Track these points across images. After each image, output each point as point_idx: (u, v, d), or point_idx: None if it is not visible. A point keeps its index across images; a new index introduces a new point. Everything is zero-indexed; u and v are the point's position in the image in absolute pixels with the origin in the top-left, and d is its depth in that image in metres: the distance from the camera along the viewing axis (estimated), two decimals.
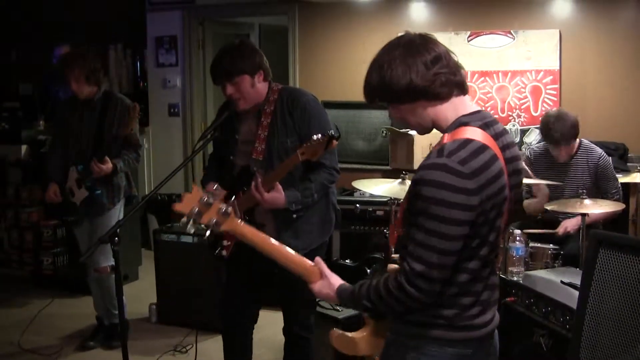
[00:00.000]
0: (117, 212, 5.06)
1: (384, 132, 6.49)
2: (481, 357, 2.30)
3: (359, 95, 7.24)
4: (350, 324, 4.38)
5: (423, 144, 6.32)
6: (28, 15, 8.72)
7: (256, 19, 8.92)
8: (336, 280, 2.40)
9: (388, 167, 6.38)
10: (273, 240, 2.52)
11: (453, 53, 2.24)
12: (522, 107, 6.55)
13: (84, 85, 4.88)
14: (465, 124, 2.16)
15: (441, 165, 2.06)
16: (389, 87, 2.18)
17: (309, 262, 2.47)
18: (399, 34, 2.29)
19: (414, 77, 2.15)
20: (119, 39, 8.58)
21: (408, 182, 4.67)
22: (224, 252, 3.80)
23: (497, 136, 2.18)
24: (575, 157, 4.95)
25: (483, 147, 2.10)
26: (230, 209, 2.46)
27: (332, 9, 7.32)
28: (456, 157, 2.06)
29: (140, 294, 6.18)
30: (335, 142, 3.34)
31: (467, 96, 2.25)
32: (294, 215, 3.70)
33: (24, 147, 6.82)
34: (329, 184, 3.74)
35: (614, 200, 4.87)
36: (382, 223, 5.44)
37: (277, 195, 3.50)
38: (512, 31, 6.55)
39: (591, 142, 5.13)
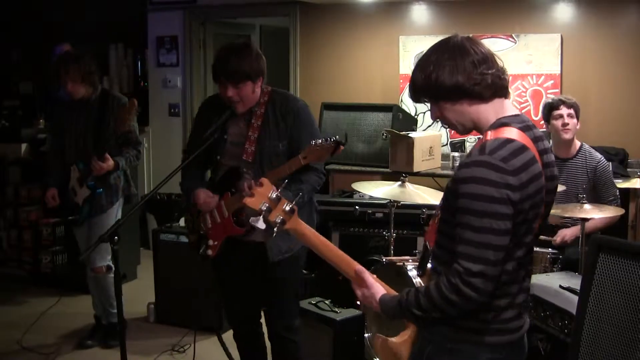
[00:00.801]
0: (115, 212, 5.06)
1: (384, 134, 6.48)
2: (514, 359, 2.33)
3: (359, 97, 7.28)
4: (349, 327, 4.39)
5: (423, 147, 6.32)
6: (29, 14, 8.73)
7: (257, 19, 8.94)
8: (378, 290, 2.39)
9: (388, 170, 6.38)
10: (329, 242, 2.51)
11: (498, 57, 2.30)
12: (523, 111, 6.54)
13: (79, 86, 4.89)
14: (506, 124, 2.20)
15: (484, 162, 2.10)
16: (435, 85, 2.22)
17: (357, 267, 2.46)
18: (448, 36, 2.32)
19: (461, 76, 2.20)
20: (120, 39, 8.58)
21: (408, 185, 4.68)
22: (210, 252, 3.80)
23: (536, 140, 2.22)
24: (574, 160, 4.93)
25: (523, 148, 2.15)
26: (295, 206, 2.45)
27: (333, 10, 7.33)
28: (498, 155, 2.10)
29: (139, 294, 6.17)
30: (342, 148, 3.36)
31: (508, 100, 2.30)
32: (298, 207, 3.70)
33: (23, 146, 6.81)
34: (317, 187, 3.75)
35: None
36: (382, 225, 5.43)
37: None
38: (513, 35, 6.56)
39: (591, 147, 5.12)
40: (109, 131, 4.92)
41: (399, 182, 4.70)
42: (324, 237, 2.51)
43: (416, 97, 2.33)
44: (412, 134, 6.36)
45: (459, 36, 2.28)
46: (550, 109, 4.85)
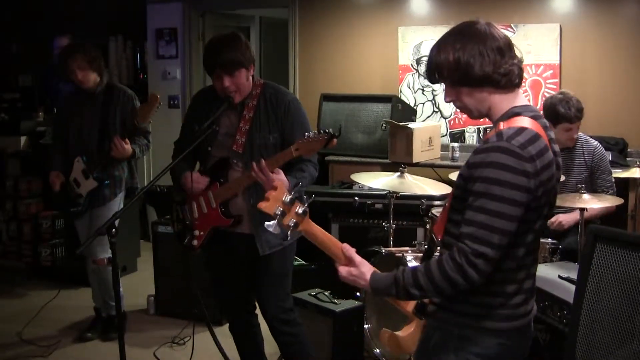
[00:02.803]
0: (118, 204, 5.06)
1: (384, 125, 6.47)
2: (521, 346, 2.35)
3: (358, 88, 7.26)
4: (349, 318, 4.39)
5: (422, 138, 6.31)
6: (28, 6, 8.71)
7: (257, 11, 8.92)
8: (367, 269, 2.38)
9: (387, 160, 6.37)
10: (337, 241, 2.48)
11: (515, 45, 2.31)
12: None
13: (88, 72, 4.90)
14: (518, 114, 2.24)
15: (503, 148, 2.13)
16: (462, 71, 2.23)
17: (343, 245, 2.46)
18: (470, 20, 2.32)
19: (489, 67, 2.21)
20: (119, 31, 8.56)
21: (407, 175, 4.67)
22: (195, 242, 3.81)
23: (545, 129, 2.26)
24: (574, 149, 4.93)
25: (537, 136, 2.19)
26: (307, 208, 2.43)
27: (333, 1, 7.32)
28: (515, 142, 2.14)
29: (139, 286, 6.18)
30: (335, 141, 3.37)
31: (521, 89, 2.33)
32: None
33: (23, 139, 6.81)
34: (314, 178, 3.76)
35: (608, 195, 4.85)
36: (381, 216, 5.42)
37: (282, 178, 3.49)
38: (512, 25, 6.54)
39: (590, 136, 5.11)
40: (116, 124, 4.94)
41: (398, 173, 4.70)
42: (334, 237, 2.49)
43: (434, 77, 2.33)
44: (411, 125, 6.35)
45: (482, 22, 2.28)
46: (561, 120, 4.77)
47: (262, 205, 2.40)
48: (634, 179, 5.28)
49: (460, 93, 2.29)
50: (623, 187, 5.39)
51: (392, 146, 6.36)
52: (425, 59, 2.57)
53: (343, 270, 2.40)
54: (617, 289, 2.89)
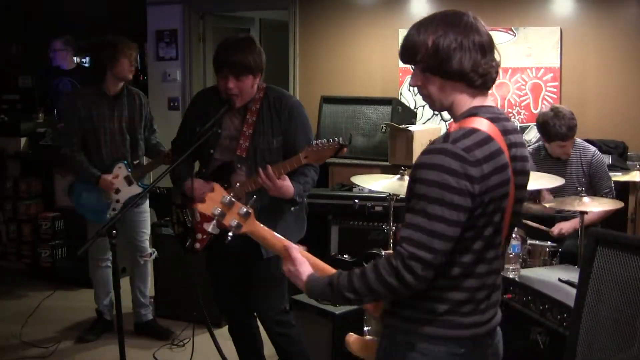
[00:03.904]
0: (147, 205, 5.25)
1: (384, 127, 6.47)
2: (477, 358, 2.24)
3: (358, 90, 7.26)
4: (348, 320, 4.39)
5: (423, 140, 6.30)
6: (28, 8, 8.71)
7: (257, 13, 8.91)
8: (306, 269, 2.32)
9: (387, 163, 6.37)
10: (291, 244, 2.43)
11: (496, 47, 2.23)
12: (522, 104, 6.55)
13: (131, 70, 4.97)
14: (475, 114, 2.16)
15: (446, 150, 2.05)
16: (440, 60, 2.14)
17: (286, 243, 2.41)
18: (458, 10, 2.24)
19: (469, 63, 2.13)
20: (119, 32, 8.52)
21: (407, 178, 4.65)
22: (197, 245, 3.81)
23: (505, 132, 2.17)
24: (570, 156, 4.95)
25: (489, 139, 2.09)
26: (251, 209, 2.40)
27: (333, 3, 7.32)
28: (461, 144, 2.05)
29: None
30: (345, 150, 3.37)
31: (490, 90, 2.26)
32: (292, 209, 3.72)
33: (23, 140, 6.81)
34: (315, 182, 3.76)
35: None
36: (381, 218, 5.42)
37: (288, 184, 3.50)
38: (512, 28, 6.54)
39: (591, 140, 5.12)
40: (141, 128, 5.05)
41: (399, 176, 4.69)
42: (286, 240, 2.44)
43: (408, 60, 2.23)
44: (411, 127, 6.36)
45: (470, 14, 2.20)
46: (552, 138, 4.80)
47: (199, 206, 2.39)
48: (634, 183, 5.28)
49: (429, 81, 2.19)
50: (623, 190, 5.38)
51: (392, 149, 6.36)
52: None
53: (284, 267, 2.37)
54: (618, 292, 2.89)
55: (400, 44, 2.26)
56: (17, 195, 6.64)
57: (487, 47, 2.17)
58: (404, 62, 2.26)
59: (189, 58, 8.01)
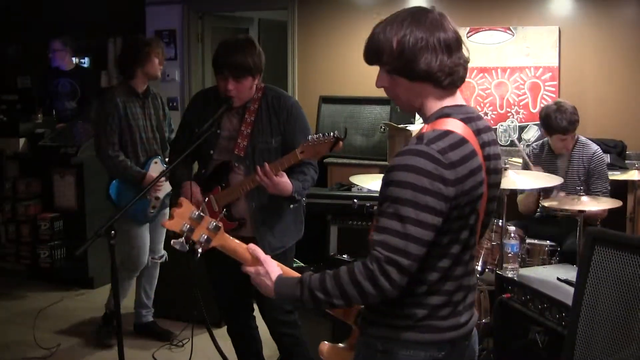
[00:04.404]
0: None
1: (382, 127, 6.48)
2: (456, 359, 2.22)
3: (357, 91, 7.24)
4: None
5: None
6: (28, 8, 8.71)
7: (255, 13, 8.91)
8: (275, 270, 2.26)
9: (386, 163, 6.37)
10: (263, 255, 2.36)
11: (464, 43, 2.17)
12: (521, 103, 6.55)
13: (160, 68, 5.00)
14: (447, 115, 2.11)
15: (420, 151, 1.99)
16: (405, 60, 2.08)
17: (249, 245, 2.36)
18: (423, 6, 2.20)
19: (435, 63, 2.07)
20: (118, 33, 8.56)
21: None
22: (198, 246, 3.80)
23: (478, 132, 2.13)
24: (571, 153, 4.96)
25: (463, 141, 2.05)
26: (220, 223, 2.35)
27: (332, 3, 7.33)
28: (436, 146, 2.00)
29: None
30: (341, 144, 3.36)
31: (460, 88, 2.20)
32: (291, 206, 3.72)
33: (21, 140, 6.80)
34: (314, 181, 3.76)
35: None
36: None
37: (286, 180, 3.50)
38: (511, 27, 6.55)
39: (589, 139, 5.12)
40: (164, 126, 5.10)
41: None
42: (250, 244, 2.38)
43: (373, 60, 2.17)
44: (410, 127, 6.35)
45: (436, 11, 2.14)
46: (554, 131, 4.83)
47: (167, 224, 2.31)
48: (633, 182, 5.29)
49: (396, 83, 2.14)
50: (621, 189, 5.39)
51: (391, 148, 6.36)
52: None
53: (251, 269, 2.30)
54: (616, 291, 2.89)
55: (364, 45, 2.18)
56: (16, 196, 6.63)
57: (454, 45, 2.10)
58: (369, 63, 2.19)
59: (188, 58, 8.02)
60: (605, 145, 5.99)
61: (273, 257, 3.69)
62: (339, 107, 6.86)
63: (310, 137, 3.40)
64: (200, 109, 3.80)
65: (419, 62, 2.07)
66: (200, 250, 2.35)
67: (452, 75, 2.10)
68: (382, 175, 5.13)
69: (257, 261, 2.32)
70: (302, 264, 5.42)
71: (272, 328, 3.91)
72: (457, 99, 2.17)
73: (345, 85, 7.27)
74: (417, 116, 6.86)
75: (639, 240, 2.92)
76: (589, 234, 3.05)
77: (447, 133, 2.04)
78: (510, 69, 6.56)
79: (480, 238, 2.29)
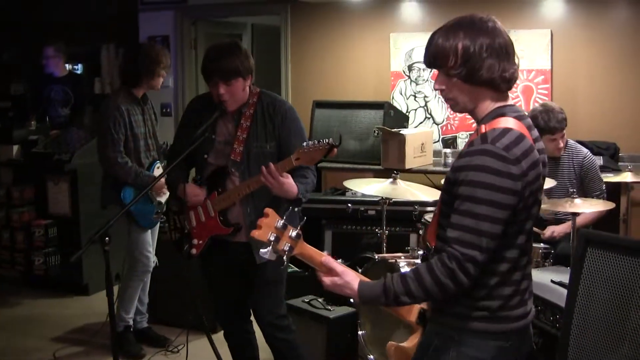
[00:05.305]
0: None
1: (376, 131, 6.49)
2: (519, 348, 2.32)
3: (351, 95, 7.25)
4: (342, 324, 4.40)
5: (415, 144, 6.33)
6: (20, 15, 8.70)
7: (249, 18, 8.92)
8: (352, 277, 2.33)
9: (380, 167, 6.38)
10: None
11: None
12: None
13: (162, 82, 5.07)
14: (502, 114, 2.22)
15: (487, 151, 2.12)
16: (471, 66, 2.18)
17: (323, 258, 2.40)
18: (477, 14, 2.29)
19: (497, 72, 2.19)
20: (111, 39, 8.57)
21: (399, 182, 4.68)
22: (194, 251, 3.82)
23: (529, 128, 2.25)
24: (561, 157, 4.96)
25: (522, 136, 2.17)
26: (300, 231, 2.39)
27: (324, 8, 7.33)
28: (500, 144, 2.13)
29: None
30: (335, 151, 3.38)
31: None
32: (296, 209, 3.73)
33: (15, 147, 6.79)
34: (314, 185, 3.77)
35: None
36: (374, 222, 5.43)
37: (291, 182, 3.51)
38: None
39: (582, 141, 5.14)
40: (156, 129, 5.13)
41: (391, 179, 4.71)
42: (322, 253, 2.43)
43: (436, 64, 2.26)
44: (403, 131, 6.37)
45: (491, 18, 2.26)
46: (542, 132, 4.83)
47: (255, 234, 2.35)
48: (626, 184, 5.30)
49: (454, 86, 2.24)
50: (614, 191, 5.41)
51: (385, 153, 6.37)
52: (418, 65, 2.52)
53: (327, 280, 2.36)
54: (609, 293, 2.90)
55: (425, 49, 2.29)
56: (10, 203, 6.62)
57: (511, 50, 2.23)
58: (429, 66, 2.31)
59: (181, 64, 8.02)
60: (598, 148, 6.01)
61: (267, 263, 3.70)
62: (333, 112, 6.86)
63: (305, 143, 3.42)
64: (196, 115, 3.82)
65: (483, 69, 2.18)
66: (285, 259, 2.40)
67: (510, 82, 2.23)
68: (375, 179, 5.16)
69: (331, 271, 2.36)
70: (297, 269, 5.43)
71: (266, 332, 3.92)
72: (508, 99, 2.29)
73: (338, 90, 7.28)
74: (410, 121, 6.90)
75: (631, 242, 2.94)
76: (582, 236, 3.07)
77: (507, 130, 2.17)
78: None
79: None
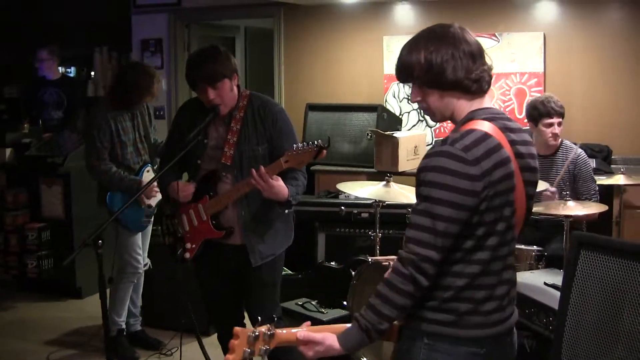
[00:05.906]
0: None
1: (369, 134, 6.49)
2: (497, 356, 2.28)
3: (344, 98, 7.25)
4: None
5: (408, 147, 6.33)
6: (13, 17, 8.69)
7: (242, 21, 8.93)
8: (331, 338, 2.27)
9: (373, 170, 6.39)
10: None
11: (485, 52, 2.32)
12: (507, 109, 6.58)
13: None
14: (472, 118, 2.24)
15: (444, 152, 2.13)
16: (435, 74, 2.22)
17: (298, 334, 2.35)
18: (443, 23, 2.34)
19: (462, 72, 2.22)
20: (105, 42, 8.56)
21: (393, 184, 4.68)
22: (187, 255, 3.82)
23: (506, 129, 2.24)
24: (555, 156, 4.97)
25: (486, 136, 2.17)
26: (273, 329, 2.32)
27: (317, 11, 7.34)
28: (459, 145, 2.13)
29: None
30: (324, 152, 3.39)
31: (487, 95, 2.33)
32: (286, 211, 3.73)
33: (8, 150, 6.78)
34: (305, 187, 3.77)
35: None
36: (367, 225, 5.43)
37: (281, 184, 3.51)
38: (496, 34, 6.58)
39: (575, 143, 5.14)
40: (152, 134, 5.13)
41: (384, 182, 4.71)
42: (295, 330, 2.38)
43: (405, 78, 2.32)
44: (396, 134, 6.38)
45: (456, 25, 2.30)
46: (540, 115, 4.85)
47: (230, 358, 2.28)
48: (619, 186, 5.31)
49: (428, 95, 2.28)
50: (607, 193, 5.42)
51: (378, 155, 6.38)
52: None
53: (310, 352, 2.31)
54: (602, 295, 2.91)
55: (395, 66, 2.35)
56: (3, 206, 6.61)
57: (477, 54, 2.26)
58: (401, 81, 2.35)
59: (175, 67, 8.01)
60: (591, 150, 6.03)
61: (263, 265, 3.72)
62: (326, 115, 6.86)
63: (295, 145, 3.43)
64: (189, 118, 3.82)
65: (447, 73, 2.22)
66: (266, 357, 2.37)
67: (479, 81, 2.24)
68: (369, 182, 5.17)
69: (310, 343, 2.32)
70: (290, 272, 5.43)
71: None
72: (485, 103, 2.30)
73: (331, 93, 7.28)
74: (404, 124, 6.91)
75: (624, 245, 2.95)
76: (574, 238, 3.08)
77: (470, 132, 2.18)
78: (495, 75, 6.51)
79: (520, 234, 2.38)
